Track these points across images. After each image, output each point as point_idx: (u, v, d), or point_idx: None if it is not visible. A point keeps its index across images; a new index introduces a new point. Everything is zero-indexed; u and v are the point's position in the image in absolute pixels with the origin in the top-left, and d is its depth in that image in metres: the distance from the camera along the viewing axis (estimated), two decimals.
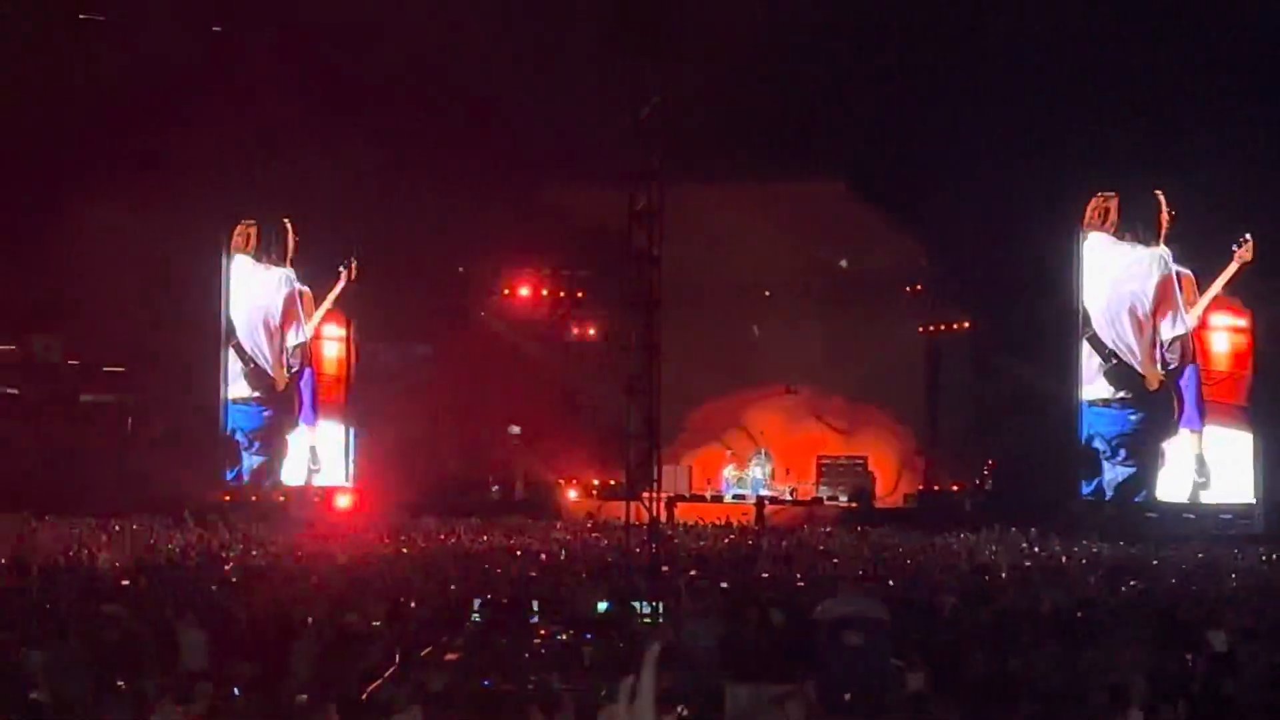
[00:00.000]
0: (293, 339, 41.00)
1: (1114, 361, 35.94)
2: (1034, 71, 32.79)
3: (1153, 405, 35.68)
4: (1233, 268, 34.58)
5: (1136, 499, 35.49)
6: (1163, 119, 32.70)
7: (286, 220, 40.36)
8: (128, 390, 42.69)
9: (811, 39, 32.38)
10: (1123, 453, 35.87)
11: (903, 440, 43.26)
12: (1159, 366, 35.62)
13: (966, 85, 32.49)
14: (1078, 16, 31.71)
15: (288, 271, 40.78)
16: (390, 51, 33.44)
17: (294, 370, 41.07)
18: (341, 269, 40.32)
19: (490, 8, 32.45)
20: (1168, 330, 35.68)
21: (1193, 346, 35.24)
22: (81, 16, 34.50)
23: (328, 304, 40.64)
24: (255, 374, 41.23)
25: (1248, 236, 34.21)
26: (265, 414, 41.29)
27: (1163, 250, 35.51)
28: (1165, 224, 35.36)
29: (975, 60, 32.07)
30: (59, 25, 34.12)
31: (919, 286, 42.12)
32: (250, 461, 41.06)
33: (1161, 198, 35.08)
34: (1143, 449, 35.74)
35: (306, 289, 40.71)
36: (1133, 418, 35.91)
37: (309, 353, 40.93)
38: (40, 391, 41.75)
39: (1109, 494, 35.72)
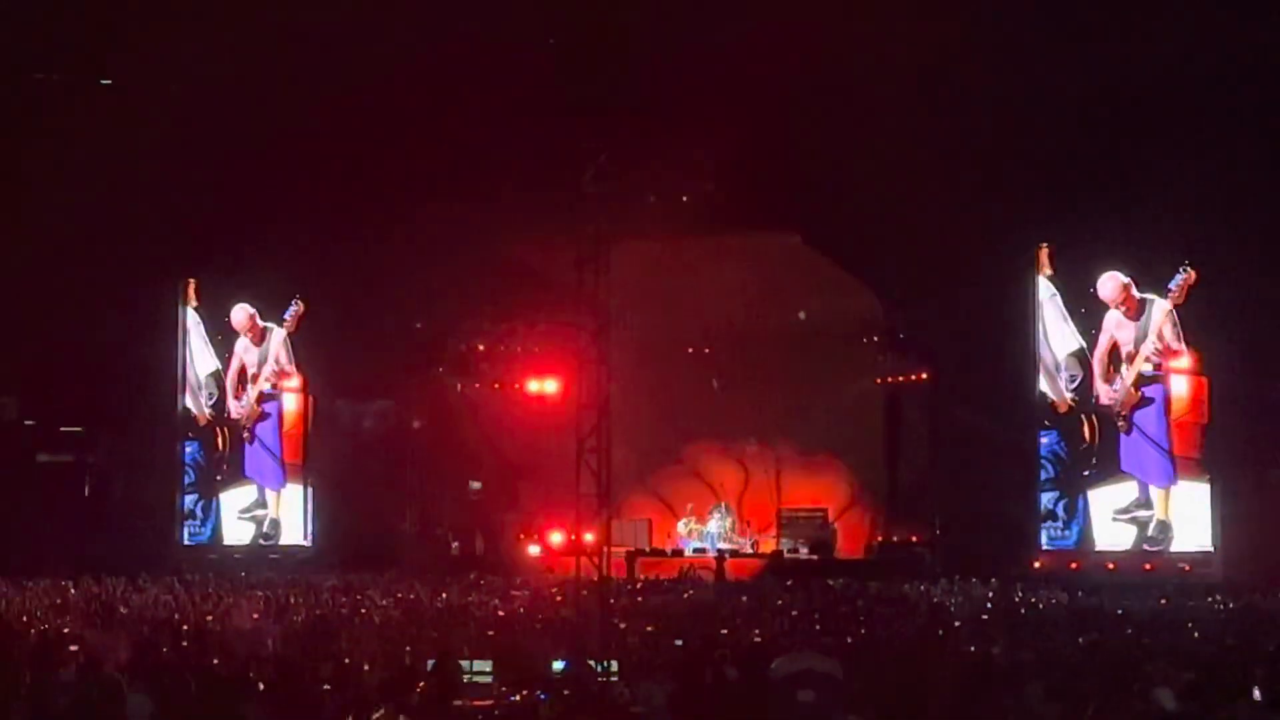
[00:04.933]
0: (203, 370, 41.31)
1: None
2: (984, 121, 33.01)
3: (1064, 427, 35.85)
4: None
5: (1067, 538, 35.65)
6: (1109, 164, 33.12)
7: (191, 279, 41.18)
8: (85, 450, 42.46)
9: (761, 92, 32.52)
10: (1041, 475, 36.12)
11: (863, 491, 43.23)
12: (1064, 388, 35.81)
13: (918, 135, 32.63)
14: (1023, 69, 31.92)
15: (188, 312, 41.41)
16: (344, 104, 33.50)
17: (213, 400, 41.11)
18: (288, 312, 40.54)
19: (447, 63, 32.50)
20: (1059, 349, 35.89)
21: (1104, 364, 35.39)
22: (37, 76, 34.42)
23: (278, 345, 40.71)
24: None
25: (1187, 267, 34.37)
26: (189, 448, 41.38)
27: (1044, 281, 36.00)
28: (1046, 261, 35.97)
29: (925, 110, 32.24)
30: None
31: (876, 338, 42.17)
32: (185, 504, 41.10)
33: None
34: (1062, 473, 35.94)
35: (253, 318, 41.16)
36: (1045, 439, 36.07)
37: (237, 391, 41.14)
38: None
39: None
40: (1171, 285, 34.48)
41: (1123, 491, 35.25)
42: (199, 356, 41.52)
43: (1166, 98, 32.32)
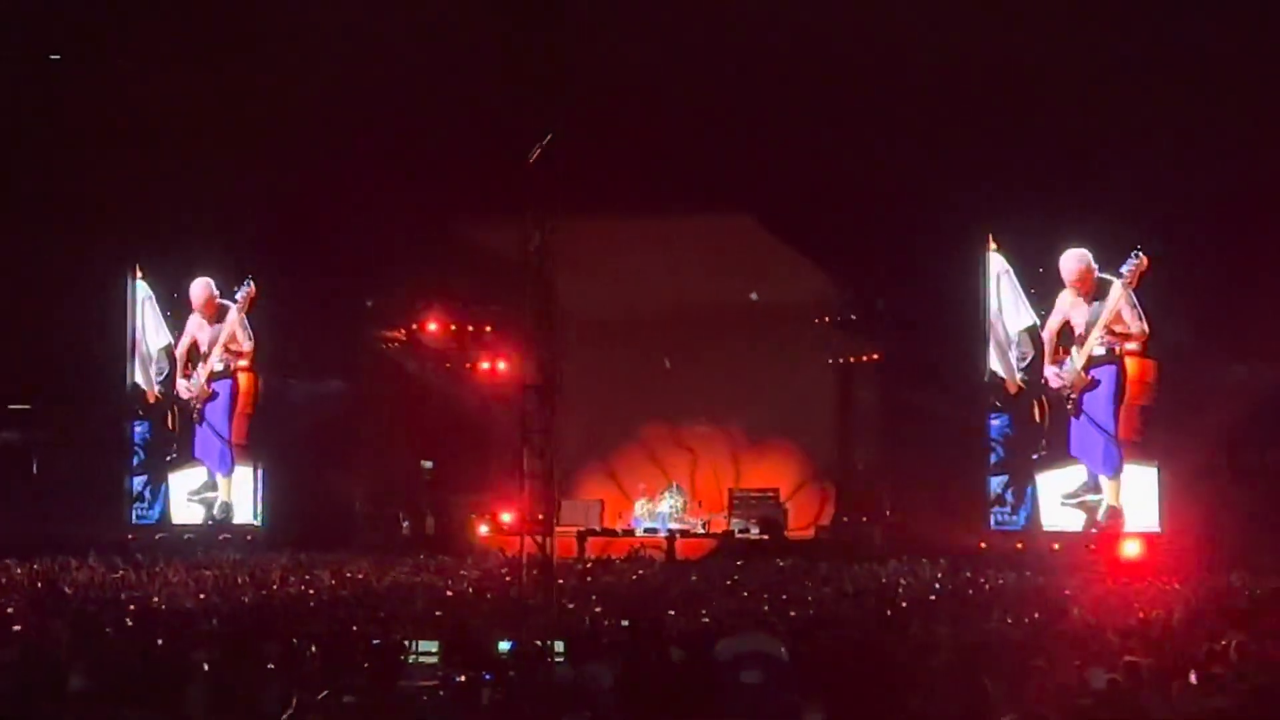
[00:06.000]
0: (155, 344, 40.90)
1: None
2: (936, 100, 33.03)
3: (1015, 408, 35.88)
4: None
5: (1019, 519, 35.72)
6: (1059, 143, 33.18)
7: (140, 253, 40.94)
8: (33, 428, 42.22)
9: (716, 72, 32.50)
10: (991, 458, 36.14)
11: (815, 472, 43.35)
12: (1015, 368, 35.79)
13: (871, 115, 32.69)
14: (976, 51, 31.92)
15: (139, 285, 41.06)
16: (294, 83, 33.35)
17: (163, 376, 40.77)
18: (240, 292, 40.33)
19: (394, 40, 32.42)
20: (1013, 324, 35.89)
21: (1053, 344, 35.37)
22: None
23: (234, 322, 40.45)
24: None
25: (1139, 253, 34.39)
26: (139, 428, 41.14)
27: (995, 255, 35.99)
28: (990, 239, 36.07)
29: (877, 88, 32.26)
30: None
31: (828, 318, 42.19)
32: (134, 485, 40.85)
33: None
34: (1010, 457, 35.99)
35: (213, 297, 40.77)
36: (995, 421, 36.10)
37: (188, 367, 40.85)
38: None
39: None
40: (1124, 270, 34.50)
41: (1071, 475, 35.31)
42: (151, 330, 41.28)
43: (1120, 76, 32.41)
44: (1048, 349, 35.43)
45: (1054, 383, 35.32)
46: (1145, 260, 34.24)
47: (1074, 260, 35.19)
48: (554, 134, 21.70)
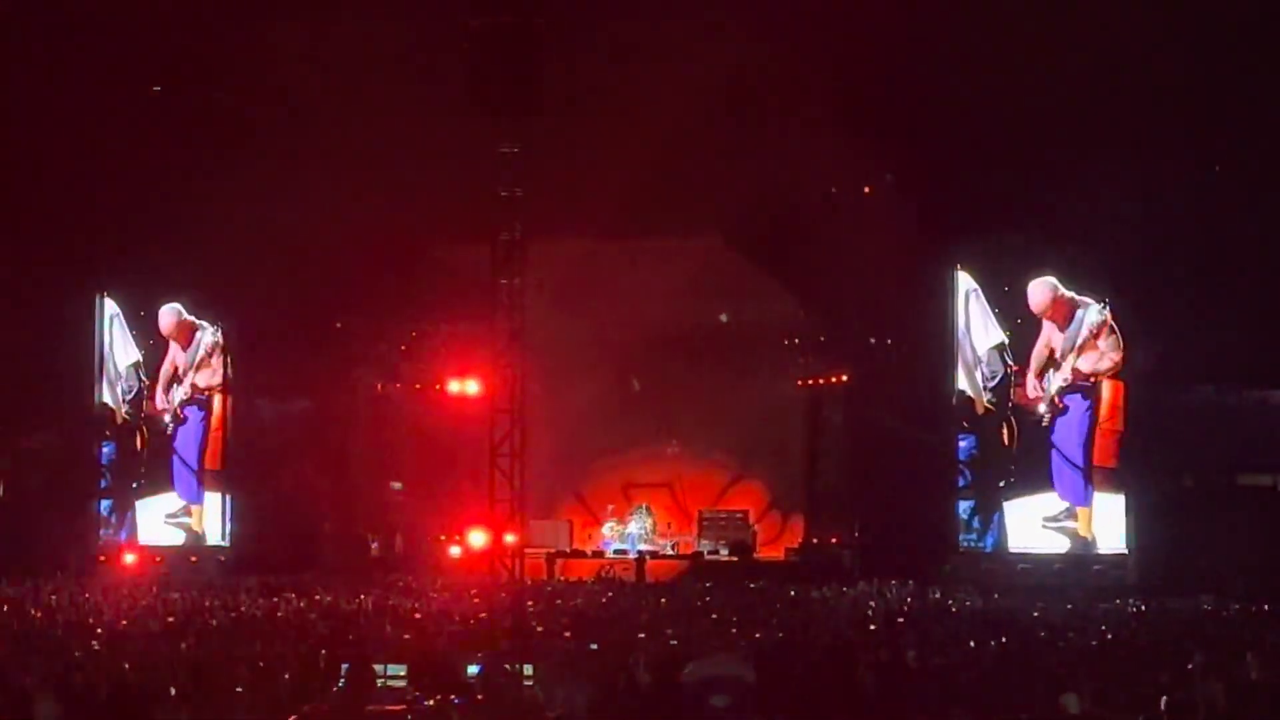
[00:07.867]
0: (123, 361, 40.79)
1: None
2: (904, 118, 33.12)
3: (982, 430, 35.88)
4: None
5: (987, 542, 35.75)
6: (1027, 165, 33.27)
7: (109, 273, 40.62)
8: (3, 450, 41.98)
9: (685, 93, 32.57)
10: (959, 481, 36.16)
11: (784, 493, 43.28)
12: (983, 387, 35.86)
13: (838, 136, 32.79)
14: (944, 73, 32.04)
15: (106, 301, 40.94)
16: (263, 105, 33.38)
17: (132, 394, 40.67)
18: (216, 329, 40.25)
19: (364, 63, 32.46)
20: (981, 343, 35.99)
21: (1039, 366, 35.28)
22: None
23: (210, 345, 40.41)
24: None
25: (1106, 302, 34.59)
26: (105, 449, 40.94)
27: (963, 274, 36.05)
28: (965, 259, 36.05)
29: (843, 112, 32.36)
30: None
31: (797, 340, 42.24)
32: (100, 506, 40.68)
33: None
34: (978, 482, 35.97)
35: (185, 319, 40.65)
36: (963, 443, 36.15)
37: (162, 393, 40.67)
38: None
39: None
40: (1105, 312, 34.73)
41: (1051, 500, 35.20)
42: (119, 347, 41.05)
43: (1086, 104, 32.55)
44: (1033, 368, 35.32)
45: (1031, 395, 35.19)
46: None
47: (1040, 289, 35.24)
48: (521, 157, 21.78)
